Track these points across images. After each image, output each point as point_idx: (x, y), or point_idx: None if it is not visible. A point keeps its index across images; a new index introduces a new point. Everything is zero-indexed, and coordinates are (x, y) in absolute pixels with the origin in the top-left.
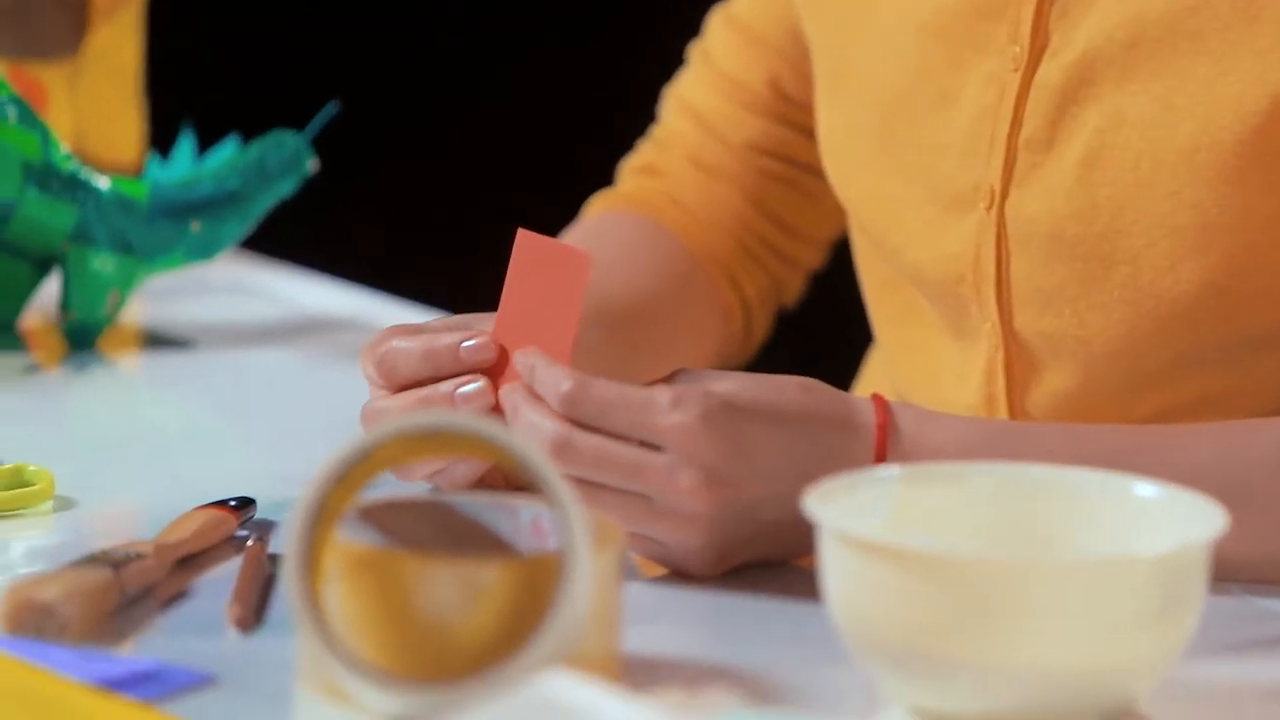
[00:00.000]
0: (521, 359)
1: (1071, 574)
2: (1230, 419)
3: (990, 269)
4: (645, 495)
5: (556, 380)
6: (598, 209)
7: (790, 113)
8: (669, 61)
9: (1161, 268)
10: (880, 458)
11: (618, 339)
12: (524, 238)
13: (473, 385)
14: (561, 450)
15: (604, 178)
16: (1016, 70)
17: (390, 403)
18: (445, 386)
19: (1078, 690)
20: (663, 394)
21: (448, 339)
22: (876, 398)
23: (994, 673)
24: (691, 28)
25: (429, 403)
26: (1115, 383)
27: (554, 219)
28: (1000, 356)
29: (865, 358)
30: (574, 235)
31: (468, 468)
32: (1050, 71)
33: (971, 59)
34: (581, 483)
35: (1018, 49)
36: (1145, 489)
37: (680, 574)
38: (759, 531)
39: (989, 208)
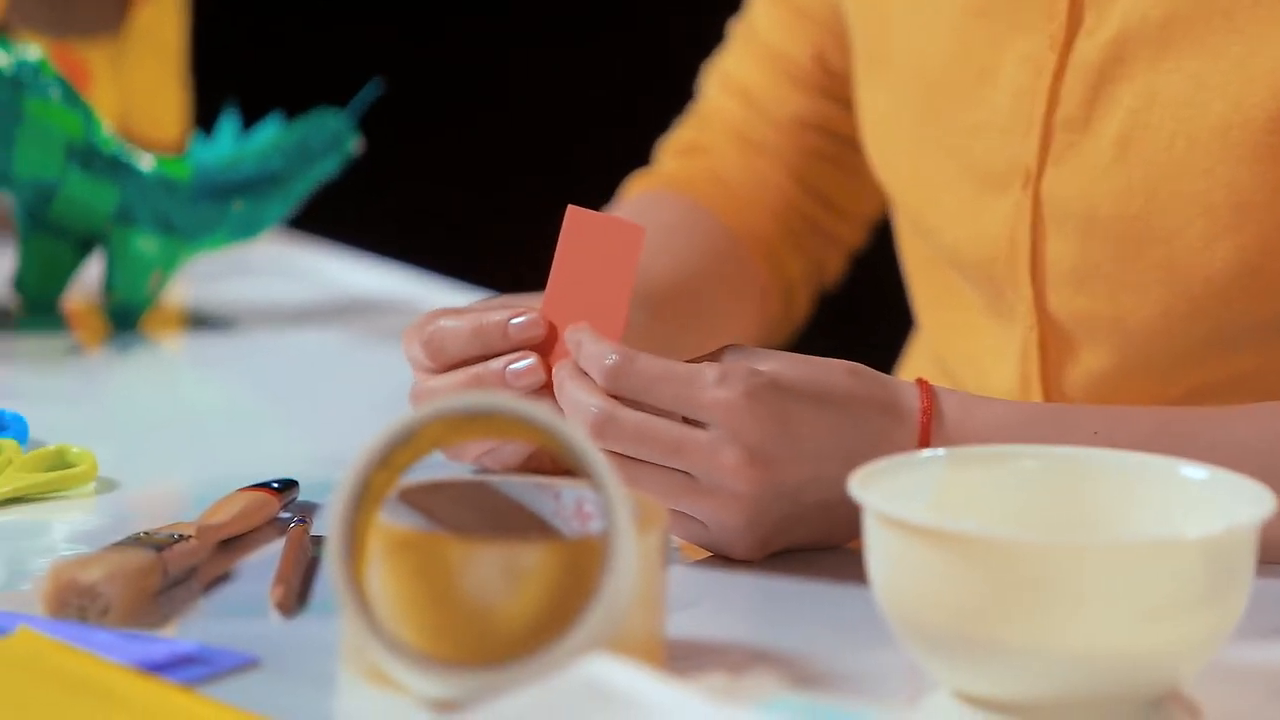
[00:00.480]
0: (570, 335)
1: (1117, 557)
2: (1266, 399)
3: (1025, 248)
4: (688, 473)
5: (602, 354)
6: (636, 189)
7: (835, 87)
8: (707, 39)
9: (1196, 247)
10: (924, 442)
11: (658, 320)
12: (574, 213)
13: (524, 362)
14: (604, 426)
15: (645, 156)
16: (1053, 49)
17: (441, 381)
18: (497, 364)
19: (1123, 673)
20: (709, 370)
21: (496, 316)
22: (921, 382)
23: (1039, 656)
24: (730, 5)
25: (481, 380)
26: (1150, 363)
27: (598, 198)
28: (1035, 337)
29: (907, 342)
30: None
31: (516, 447)
32: (1086, 50)
33: (1010, 38)
34: (624, 460)
35: (1055, 27)
36: (1192, 470)
37: (723, 557)
38: (802, 514)
39: (1025, 187)
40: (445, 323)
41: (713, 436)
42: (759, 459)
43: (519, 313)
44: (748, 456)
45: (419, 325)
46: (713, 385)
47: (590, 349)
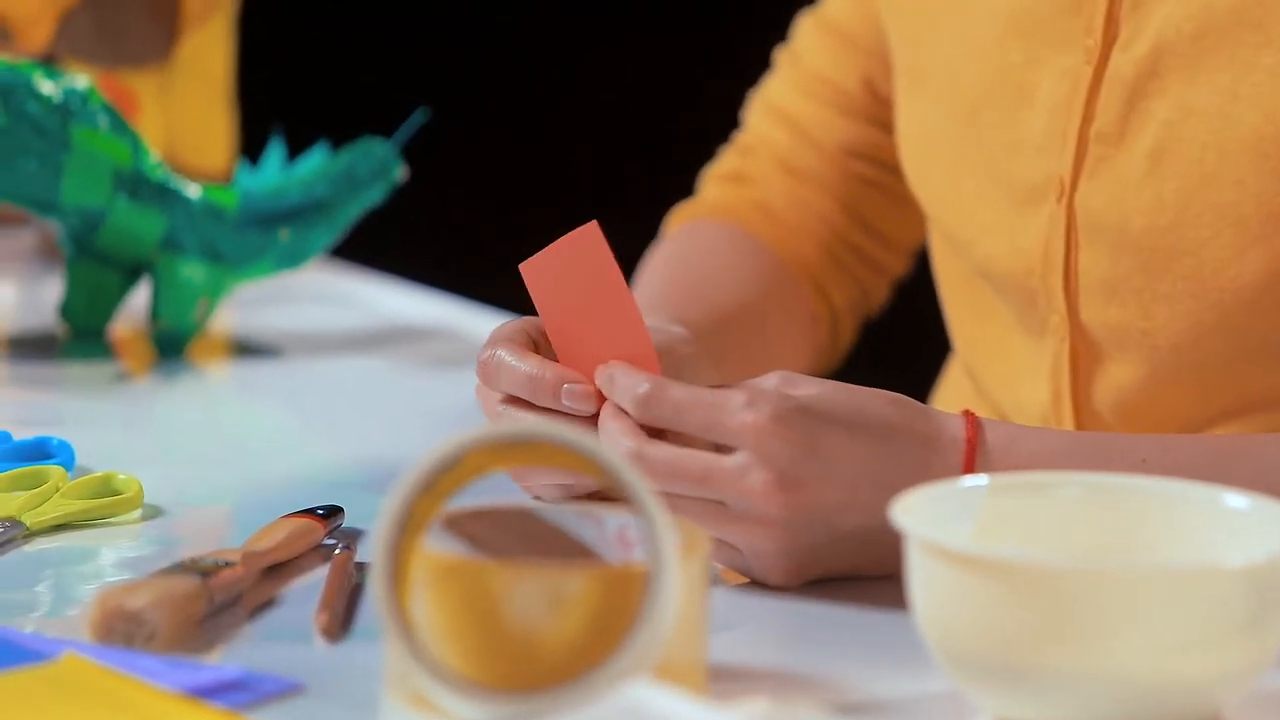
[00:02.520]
0: (601, 373)
1: (1159, 584)
2: None
3: (1058, 261)
4: (721, 502)
5: (633, 385)
6: (680, 220)
7: (883, 114)
8: (751, 66)
9: (1225, 258)
10: (968, 474)
11: (712, 351)
12: (530, 267)
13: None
14: (634, 464)
15: (685, 183)
16: (1089, 63)
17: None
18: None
19: (1164, 700)
20: (737, 395)
21: (551, 377)
22: (968, 414)
23: (1081, 683)
24: (773, 32)
25: None
26: (1180, 376)
27: (642, 227)
28: (1066, 350)
29: (944, 366)
30: (661, 250)
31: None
32: (1121, 64)
33: (1048, 54)
34: (660, 494)
35: (1091, 42)
36: (1235, 499)
37: (764, 582)
38: (837, 542)
39: (1059, 200)
40: (506, 357)
41: (740, 462)
42: (787, 482)
43: (575, 381)
44: (776, 480)
45: (493, 339)
46: (740, 410)
47: (622, 381)
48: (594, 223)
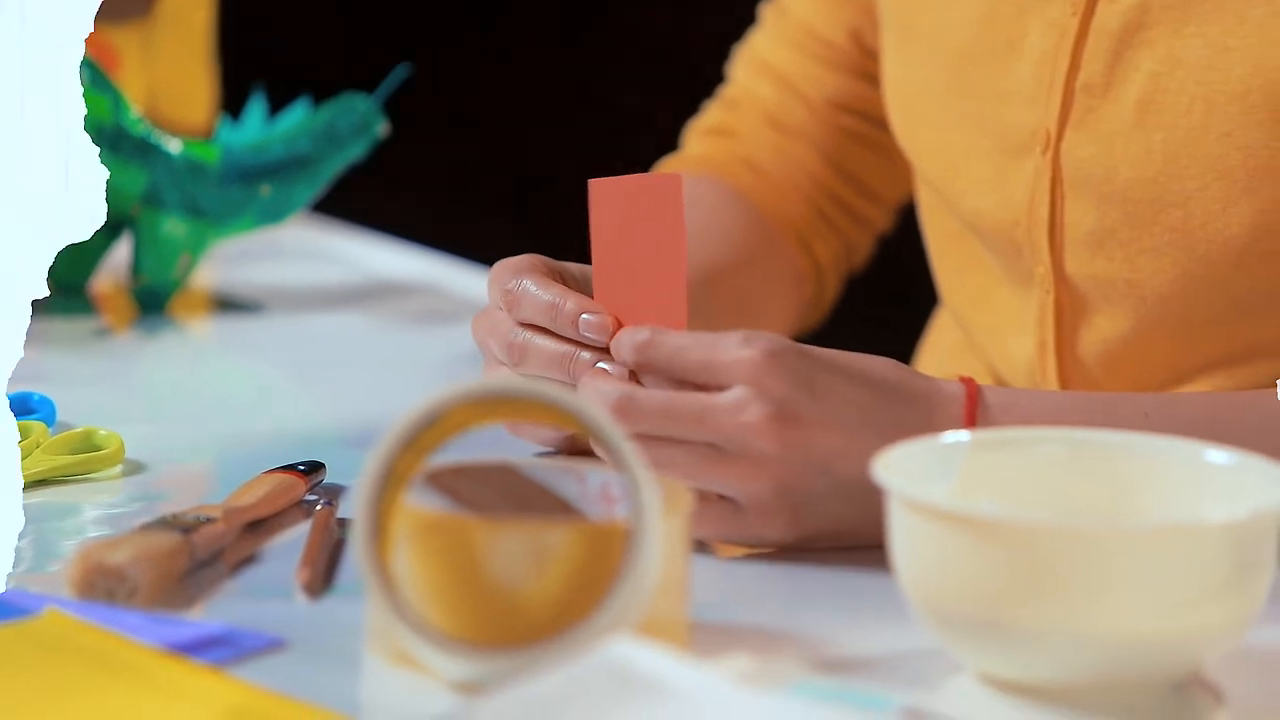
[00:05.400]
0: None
1: (1141, 541)
2: None
3: (1044, 212)
4: (714, 445)
5: (633, 333)
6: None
7: (870, 67)
8: (736, 20)
9: (1213, 210)
10: (969, 424)
11: (697, 310)
12: (598, 186)
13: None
14: (626, 409)
15: (674, 139)
16: (1075, 14)
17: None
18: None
19: (1147, 657)
20: (733, 334)
21: (571, 307)
22: (964, 378)
23: (1062, 640)
24: None
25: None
26: (1166, 329)
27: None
28: (1051, 301)
29: (929, 321)
30: None
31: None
32: (1108, 15)
33: (1035, 5)
34: (649, 440)
35: None
36: (1217, 456)
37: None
38: (835, 491)
39: (1045, 151)
40: (530, 286)
41: (736, 396)
42: (783, 416)
43: (593, 311)
44: (772, 413)
45: (511, 269)
46: (736, 346)
47: (623, 336)
48: (679, 175)
